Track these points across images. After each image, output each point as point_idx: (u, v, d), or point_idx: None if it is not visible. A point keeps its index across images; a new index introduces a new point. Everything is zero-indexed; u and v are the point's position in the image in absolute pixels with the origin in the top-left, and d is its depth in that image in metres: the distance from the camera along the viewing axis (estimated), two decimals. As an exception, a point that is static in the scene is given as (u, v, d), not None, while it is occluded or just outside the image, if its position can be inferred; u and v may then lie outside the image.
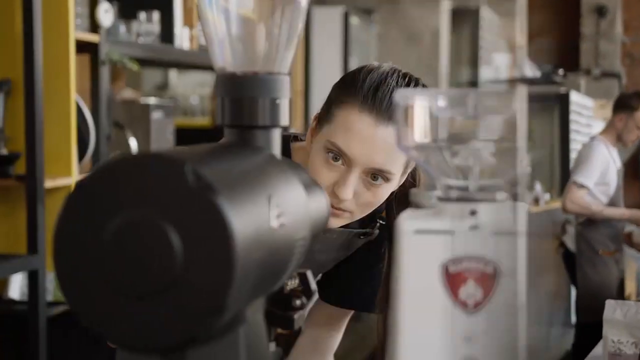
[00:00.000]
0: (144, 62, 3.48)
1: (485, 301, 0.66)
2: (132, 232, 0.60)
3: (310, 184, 0.84)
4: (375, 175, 1.26)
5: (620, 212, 4.44)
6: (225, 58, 0.82)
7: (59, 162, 2.67)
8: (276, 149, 0.81)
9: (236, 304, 0.61)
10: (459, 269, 0.66)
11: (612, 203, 4.37)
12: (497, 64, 6.98)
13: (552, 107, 7.22)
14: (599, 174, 4.29)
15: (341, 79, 1.33)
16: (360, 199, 1.27)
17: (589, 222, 4.39)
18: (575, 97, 7.26)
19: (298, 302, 0.80)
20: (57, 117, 2.67)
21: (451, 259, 0.66)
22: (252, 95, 0.79)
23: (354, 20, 6.68)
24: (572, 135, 7.23)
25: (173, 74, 5.75)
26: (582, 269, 4.41)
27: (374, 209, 1.31)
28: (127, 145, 3.05)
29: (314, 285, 0.83)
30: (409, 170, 1.33)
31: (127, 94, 3.68)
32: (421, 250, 0.67)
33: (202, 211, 0.60)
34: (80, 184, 0.62)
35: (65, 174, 2.68)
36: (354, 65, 6.82)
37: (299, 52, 4.96)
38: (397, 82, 1.27)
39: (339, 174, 1.25)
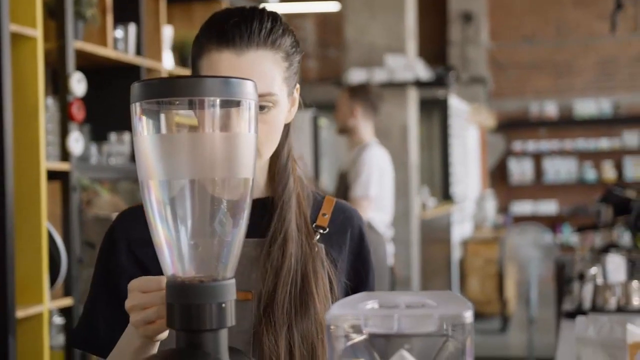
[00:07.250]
0: (117, 179, 3.55)
1: None
2: None
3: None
4: (260, 105, 1.19)
5: None
6: (174, 266, 0.89)
7: (31, 291, 2.70)
8: (223, 348, 0.87)
9: None
10: None
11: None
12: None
13: (431, 111, 7.49)
14: None
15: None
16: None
17: None
18: (453, 102, 7.53)
19: None
20: (28, 245, 2.71)
21: None
22: (200, 302, 0.86)
23: (323, 122, 6.83)
24: (450, 140, 7.53)
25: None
26: None
27: (277, 138, 1.25)
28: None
29: None
30: (295, 89, 1.29)
31: (106, 198, 3.72)
32: None
33: None
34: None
35: (37, 302, 2.71)
36: (325, 164, 6.94)
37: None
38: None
39: None
